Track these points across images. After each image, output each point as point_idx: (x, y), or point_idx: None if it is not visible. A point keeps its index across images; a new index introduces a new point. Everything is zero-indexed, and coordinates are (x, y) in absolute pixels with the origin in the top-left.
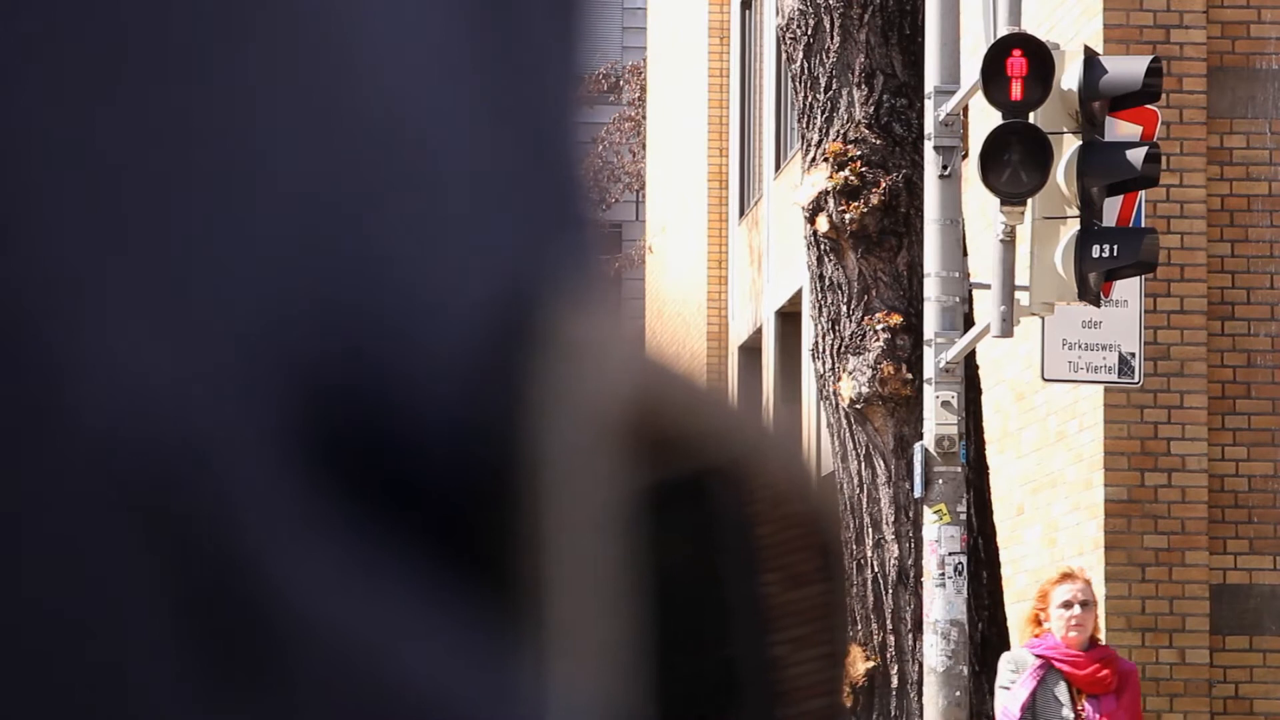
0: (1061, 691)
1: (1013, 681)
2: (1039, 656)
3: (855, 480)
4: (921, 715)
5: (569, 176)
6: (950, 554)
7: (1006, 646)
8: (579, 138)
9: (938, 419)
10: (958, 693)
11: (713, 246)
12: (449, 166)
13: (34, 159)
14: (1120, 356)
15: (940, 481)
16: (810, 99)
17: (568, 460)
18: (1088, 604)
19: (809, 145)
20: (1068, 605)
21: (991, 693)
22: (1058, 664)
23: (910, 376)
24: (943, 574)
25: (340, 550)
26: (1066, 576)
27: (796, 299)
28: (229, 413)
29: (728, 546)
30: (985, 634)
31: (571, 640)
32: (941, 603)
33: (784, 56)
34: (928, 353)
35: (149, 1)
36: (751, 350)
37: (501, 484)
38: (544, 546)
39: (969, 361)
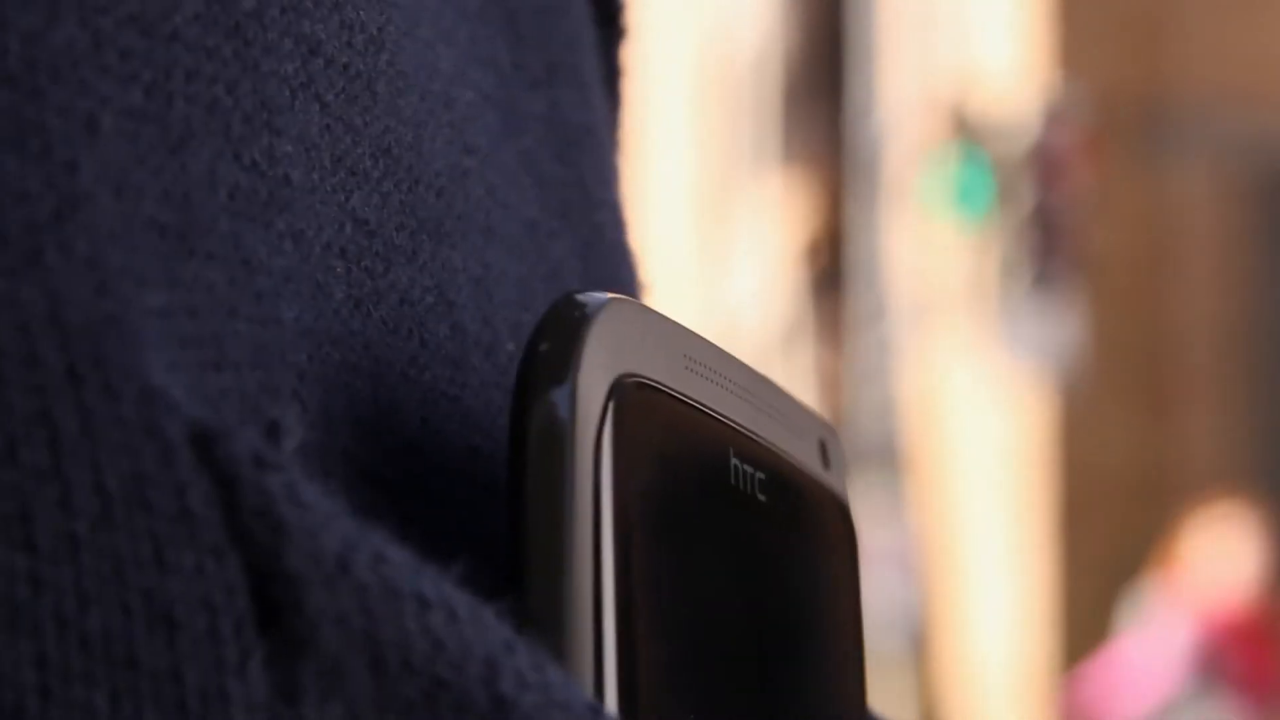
0: (1200, 648)
1: (1143, 632)
2: (1177, 612)
3: None
4: None
5: (622, 234)
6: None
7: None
8: (620, 191)
9: (874, 420)
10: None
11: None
12: (501, 218)
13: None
14: (1054, 357)
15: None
16: (775, 120)
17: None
18: (1227, 552)
19: (772, 168)
20: (1204, 557)
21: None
22: (1199, 622)
23: (849, 383)
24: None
25: (410, 573)
26: (1200, 527)
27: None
28: (286, 440)
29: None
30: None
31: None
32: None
33: (759, 79)
34: (865, 361)
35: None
36: None
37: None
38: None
39: (895, 366)
